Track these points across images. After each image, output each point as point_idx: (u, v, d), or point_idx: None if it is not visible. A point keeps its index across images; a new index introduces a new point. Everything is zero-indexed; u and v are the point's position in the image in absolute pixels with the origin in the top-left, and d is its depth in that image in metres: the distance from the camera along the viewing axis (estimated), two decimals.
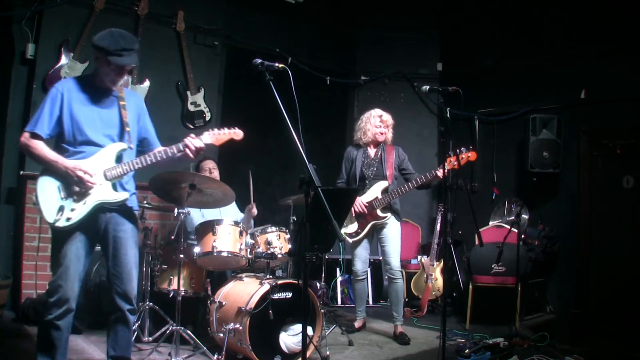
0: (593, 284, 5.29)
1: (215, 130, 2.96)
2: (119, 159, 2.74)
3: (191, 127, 5.11)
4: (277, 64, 2.40)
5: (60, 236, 2.63)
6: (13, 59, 4.38)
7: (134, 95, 2.94)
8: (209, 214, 4.22)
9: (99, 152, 2.69)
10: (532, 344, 4.06)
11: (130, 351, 2.86)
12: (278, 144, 6.05)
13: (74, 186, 2.61)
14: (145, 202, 3.83)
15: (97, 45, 2.64)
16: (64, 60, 4.38)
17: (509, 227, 4.75)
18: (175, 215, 3.52)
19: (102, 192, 2.66)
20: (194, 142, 2.79)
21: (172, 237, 3.98)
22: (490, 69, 6.22)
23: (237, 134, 3.01)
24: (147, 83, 4.82)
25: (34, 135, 2.61)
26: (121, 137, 2.76)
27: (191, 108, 5.11)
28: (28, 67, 4.40)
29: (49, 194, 2.61)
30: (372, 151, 4.41)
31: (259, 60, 2.38)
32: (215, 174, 4.34)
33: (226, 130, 2.97)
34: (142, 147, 2.91)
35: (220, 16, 5.43)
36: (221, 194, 3.58)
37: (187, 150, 2.78)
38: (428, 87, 3.53)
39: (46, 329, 2.61)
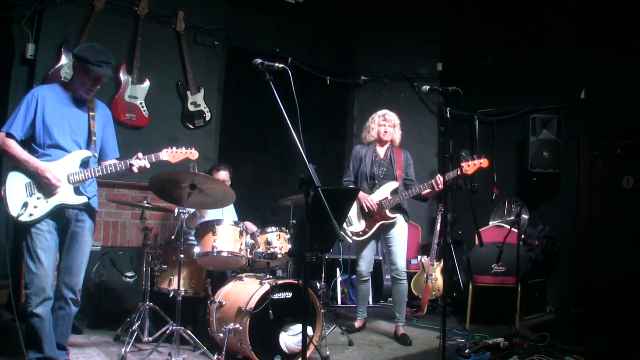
0: (593, 284, 5.29)
1: (174, 148, 3.21)
2: (83, 165, 2.98)
3: (191, 127, 5.11)
4: (277, 64, 2.41)
5: (28, 230, 2.82)
6: (13, 59, 4.38)
7: (103, 107, 3.16)
8: (211, 213, 4.22)
9: (65, 157, 2.92)
10: (532, 344, 4.07)
11: (67, 340, 3.05)
12: (278, 144, 6.05)
13: (41, 185, 2.83)
14: (145, 202, 3.82)
15: (79, 55, 2.90)
16: (64, 60, 4.37)
17: (509, 227, 4.76)
18: (176, 215, 3.53)
19: (64, 194, 2.89)
20: (139, 163, 3.02)
21: (172, 237, 3.98)
22: (490, 69, 6.22)
23: (193, 154, 3.27)
24: (147, 83, 4.82)
25: (9, 135, 2.83)
26: (88, 145, 3.01)
27: (191, 108, 5.11)
28: (28, 67, 4.39)
29: (17, 189, 2.82)
30: (381, 151, 4.40)
31: (259, 60, 2.39)
32: None
33: (183, 149, 3.23)
34: (99, 154, 3.12)
35: (220, 16, 5.43)
36: (221, 194, 3.58)
37: (133, 169, 3.02)
38: (428, 87, 3.52)
39: (30, 321, 2.79)
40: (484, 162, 4.01)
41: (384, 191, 4.26)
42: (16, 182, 2.82)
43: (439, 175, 4.01)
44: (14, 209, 2.76)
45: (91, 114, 3.02)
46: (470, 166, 4.00)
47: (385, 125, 4.36)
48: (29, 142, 2.89)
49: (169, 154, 3.17)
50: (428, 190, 4.10)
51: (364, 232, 4.28)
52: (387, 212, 4.23)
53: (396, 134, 4.40)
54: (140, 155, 3.05)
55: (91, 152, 3.00)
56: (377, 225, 4.26)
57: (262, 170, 6.02)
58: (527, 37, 5.88)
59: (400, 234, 4.28)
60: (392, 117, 4.39)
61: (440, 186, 3.98)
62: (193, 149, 3.27)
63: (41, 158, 2.85)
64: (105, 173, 2.99)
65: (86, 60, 2.86)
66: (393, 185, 4.27)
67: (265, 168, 6.04)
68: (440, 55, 6.62)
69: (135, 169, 3.02)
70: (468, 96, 3.43)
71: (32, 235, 2.81)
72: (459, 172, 3.81)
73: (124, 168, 3.02)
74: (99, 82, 2.96)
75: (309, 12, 6.05)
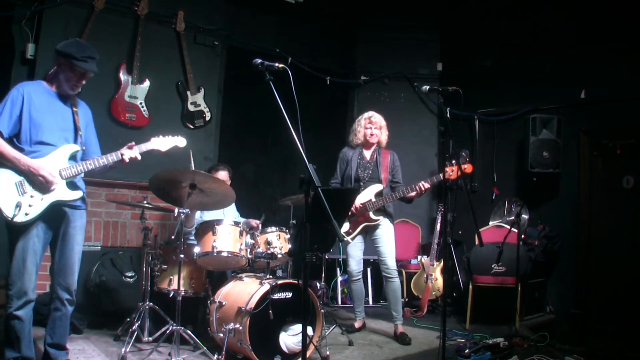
0: (593, 284, 5.29)
1: (161, 137, 3.23)
2: (72, 159, 2.95)
3: (191, 127, 5.11)
4: (277, 64, 2.41)
5: (17, 230, 2.78)
6: (13, 59, 4.38)
7: (84, 105, 3.14)
8: (211, 212, 4.22)
9: (54, 152, 2.87)
10: (532, 344, 4.07)
11: (66, 340, 3.05)
12: (278, 144, 6.06)
13: (35, 184, 2.78)
14: (145, 202, 3.82)
15: (63, 51, 2.86)
16: None
17: (509, 227, 4.75)
18: (176, 215, 3.53)
19: (58, 191, 2.86)
20: (130, 153, 3.03)
21: (172, 237, 3.98)
22: (490, 69, 6.22)
23: (181, 141, 3.30)
24: (147, 83, 4.82)
25: None
26: (75, 140, 2.99)
27: (191, 108, 5.11)
28: (28, 67, 4.39)
29: (6, 189, 2.73)
30: (367, 153, 4.40)
31: (259, 60, 2.39)
32: None
33: (170, 137, 3.26)
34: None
35: (220, 16, 5.43)
36: (222, 194, 3.58)
37: (124, 158, 3.02)
38: (428, 87, 3.51)
39: (9, 322, 2.77)
40: (467, 168, 3.95)
41: (368, 194, 4.26)
42: (4, 180, 2.73)
43: (422, 182, 4.04)
44: (7, 210, 2.69)
45: (74, 109, 3.00)
46: (454, 171, 3.91)
47: (371, 127, 4.35)
48: (11, 140, 2.81)
49: (158, 142, 3.19)
50: (414, 194, 4.11)
51: (348, 234, 4.29)
52: (371, 214, 4.22)
53: (382, 136, 4.39)
54: (132, 143, 3.06)
55: (79, 146, 2.97)
56: (361, 226, 4.27)
57: (262, 170, 6.02)
58: (527, 37, 5.88)
59: (386, 234, 4.28)
60: (378, 119, 4.37)
61: (424, 190, 4.05)
62: (179, 136, 3.29)
63: (29, 155, 2.79)
64: (97, 166, 2.96)
65: (71, 56, 2.83)
66: (377, 187, 4.27)
67: (265, 168, 6.04)
68: (440, 55, 6.62)
69: (126, 159, 3.01)
70: (468, 96, 3.44)
71: (21, 237, 2.78)
72: (443, 177, 3.76)
73: (115, 159, 3.00)
74: (84, 78, 2.94)
75: (309, 12, 6.05)
